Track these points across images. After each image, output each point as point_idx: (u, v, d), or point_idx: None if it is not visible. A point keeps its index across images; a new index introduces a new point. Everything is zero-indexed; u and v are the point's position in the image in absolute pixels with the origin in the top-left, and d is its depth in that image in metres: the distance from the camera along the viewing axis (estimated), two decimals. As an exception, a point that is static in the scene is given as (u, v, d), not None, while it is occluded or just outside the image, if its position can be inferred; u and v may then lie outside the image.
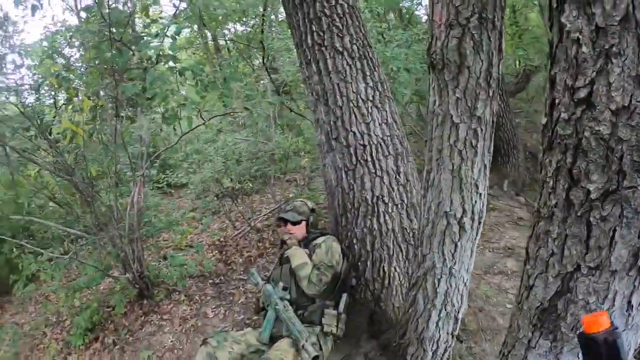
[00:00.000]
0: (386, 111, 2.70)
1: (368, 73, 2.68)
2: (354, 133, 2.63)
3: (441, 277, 1.94)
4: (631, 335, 1.14)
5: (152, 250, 4.19)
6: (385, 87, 2.76)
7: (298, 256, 2.51)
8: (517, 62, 8.14)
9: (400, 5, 7.35)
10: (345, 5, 2.66)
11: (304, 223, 2.70)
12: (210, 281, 4.08)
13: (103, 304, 3.90)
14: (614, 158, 0.96)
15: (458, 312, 2.05)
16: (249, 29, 5.35)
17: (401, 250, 2.65)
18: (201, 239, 5.00)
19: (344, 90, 2.62)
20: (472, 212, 1.82)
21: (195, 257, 4.30)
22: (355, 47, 2.67)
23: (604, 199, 1.00)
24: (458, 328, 2.13)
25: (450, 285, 1.96)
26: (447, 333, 2.07)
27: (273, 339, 2.38)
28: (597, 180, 1.00)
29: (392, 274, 2.62)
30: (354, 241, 2.71)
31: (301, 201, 2.81)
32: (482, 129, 1.70)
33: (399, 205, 2.65)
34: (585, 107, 0.99)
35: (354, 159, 2.64)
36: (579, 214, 1.05)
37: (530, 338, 1.22)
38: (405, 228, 2.66)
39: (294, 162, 5.14)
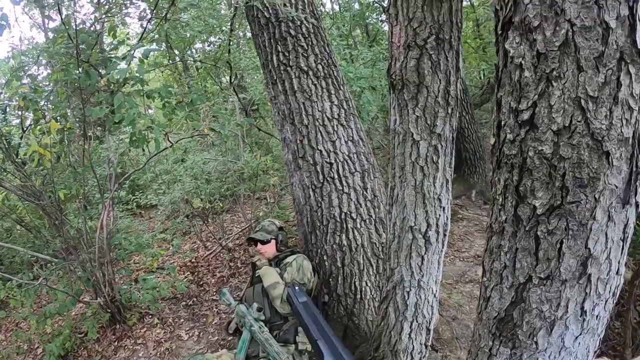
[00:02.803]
0: (352, 129, 2.76)
1: (333, 92, 2.73)
2: (321, 151, 2.67)
3: (410, 289, 1.98)
4: (588, 339, 1.20)
5: (123, 273, 4.10)
6: (350, 105, 2.82)
7: (269, 275, 2.53)
8: (482, 74, 8.41)
9: (366, 21, 7.52)
10: (311, 26, 2.73)
11: (273, 242, 2.73)
12: (183, 303, 4.02)
13: (75, 330, 3.76)
14: (557, 175, 1.03)
15: (429, 323, 2.09)
16: (216, 49, 5.36)
17: (371, 265, 2.69)
18: (173, 260, 4.91)
19: (310, 109, 2.67)
20: (437, 226, 1.88)
21: (168, 279, 4.22)
22: (320, 66, 2.72)
23: (550, 213, 1.06)
24: (431, 338, 2.18)
25: (420, 297, 2.00)
26: (421, 344, 2.11)
27: None
28: (542, 197, 1.06)
29: (363, 289, 2.66)
30: (325, 258, 2.73)
31: (269, 221, 2.84)
32: (442, 145, 1.77)
33: (367, 221, 2.69)
34: (528, 128, 1.05)
35: (320, 176, 2.68)
36: (527, 228, 1.11)
37: (491, 346, 1.27)
38: (375, 243, 2.70)
39: (263, 180, 5.15)
